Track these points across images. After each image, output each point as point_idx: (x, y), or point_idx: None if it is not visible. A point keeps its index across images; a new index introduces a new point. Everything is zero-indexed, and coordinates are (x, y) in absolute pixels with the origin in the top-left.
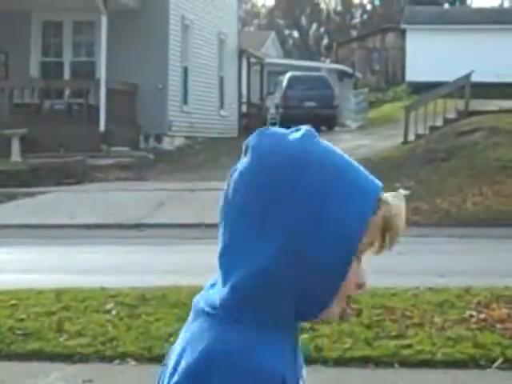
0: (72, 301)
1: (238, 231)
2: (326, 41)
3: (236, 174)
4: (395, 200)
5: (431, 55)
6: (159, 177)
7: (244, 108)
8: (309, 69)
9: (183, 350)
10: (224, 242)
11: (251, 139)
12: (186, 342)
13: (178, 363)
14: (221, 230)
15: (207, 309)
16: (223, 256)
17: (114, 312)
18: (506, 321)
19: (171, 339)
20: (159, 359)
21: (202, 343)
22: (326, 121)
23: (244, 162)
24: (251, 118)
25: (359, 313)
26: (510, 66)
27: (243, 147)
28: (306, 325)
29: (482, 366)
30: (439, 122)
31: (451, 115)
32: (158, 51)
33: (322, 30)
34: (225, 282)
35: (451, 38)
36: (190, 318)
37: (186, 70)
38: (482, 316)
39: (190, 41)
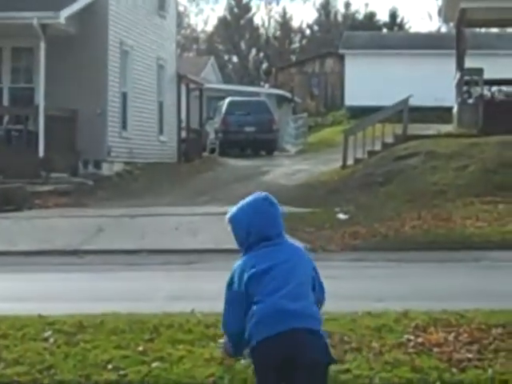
0: (9, 329)
1: None
2: (265, 65)
3: None
4: None
5: (370, 80)
6: (98, 203)
7: (183, 133)
8: (248, 94)
9: None
10: None
11: None
12: None
13: None
14: None
15: None
16: None
17: (51, 340)
18: (443, 344)
19: (109, 366)
20: None
21: None
22: (266, 145)
23: None
24: (190, 144)
25: None
26: (447, 90)
27: None
28: None
29: None
30: (378, 147)
31: (389, 139)
32: (97, 77)
33: (262, 54)
34: None
35: (389, 63)
36: None
37: (125, 96)
38: (420, 340)
39: (129, 66)
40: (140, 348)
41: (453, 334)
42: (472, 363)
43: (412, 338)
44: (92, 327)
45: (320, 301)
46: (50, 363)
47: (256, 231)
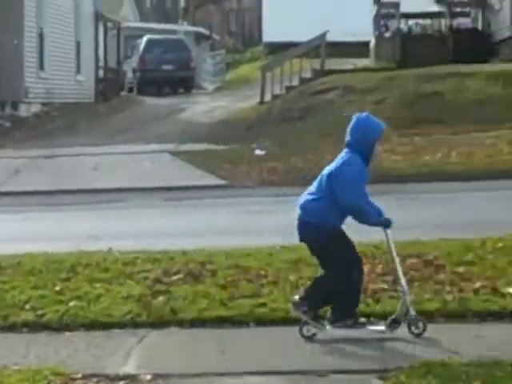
0: None
1: None
2: (183, 3)
3: None
4: None
5: (287, 16)
6: (16, 144)
7: (101, 73)
8: (166, 32)
9: None
10: None
11: None
12: None
13: None
14: None
15: None
16: None
17: None
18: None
19: (27, 306)
20: (15, 327)
21: None
22: (184, 83)
23: None
24: (108, 83)
25: (214, 274)
26: (365, 25)
27: None
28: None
29: None
30: (295, 82)
31: (307, 75)
32: (13, 11)
33: None
34: None
35: None
36: None
37: (41, 35)
38: None
39: (45, 3)
40: (57, 288)
41: (368, 266)
42: (387, 293)
43: None
44: (9, 268)
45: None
46: None
47: None
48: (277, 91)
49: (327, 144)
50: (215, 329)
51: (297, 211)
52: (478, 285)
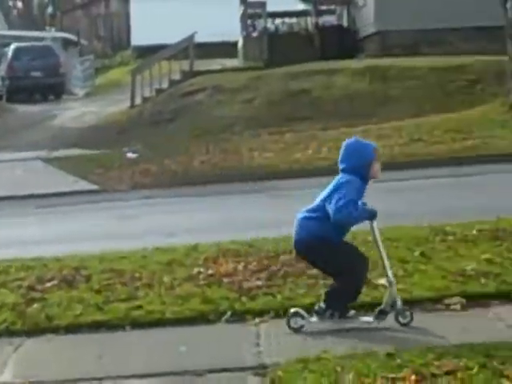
0: None
1: None
2: (50, 10)
3: None
4: None
5: (155, 19)
6: None
7: None
8: (34, 39)
9: None
10: None
11: None
12: None
13: None
14: None
15: None
16: None
17: None
18: (232, 274)
19: None
20: None
21: None
22: (53, 89)
23: None
24: None
25: (88, 279)
26: (233, 26)
27: None
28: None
29: (211, 320)
30: (165, 84)
31: (176, 76)
32: None
33: None
34: None
35: (174, 1)
36: None
37: None
38: (210, 272)
39: None
40: None
41: (242, 264)
42: (262, 290)
43: (202, 270)
44: None
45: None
46: None
47: None
48: (147, 94)
49: (198, 145)
50: (91, 334)
51: (294, 227)
52: None
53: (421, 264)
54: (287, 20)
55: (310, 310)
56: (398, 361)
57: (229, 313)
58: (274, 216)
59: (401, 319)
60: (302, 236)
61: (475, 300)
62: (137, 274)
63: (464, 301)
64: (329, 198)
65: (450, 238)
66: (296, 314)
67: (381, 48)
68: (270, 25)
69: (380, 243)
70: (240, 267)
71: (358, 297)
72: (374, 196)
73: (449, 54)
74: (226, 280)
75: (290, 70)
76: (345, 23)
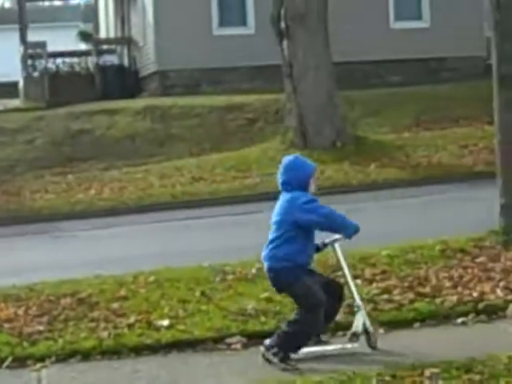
0: None
1: None
2: None
3: None
4: None
5: None
6: None
7: None
8: None
9: None
10: None
11: None
12: None
13: None
14: None
15: None
16: None
17: None
18: (13, 319)
19: None
20: None
21: None
22: None
23: None
24: None
25: None
26: (13, 65)
27: None
28: None
29: None
30: None
31: None
32: None
33: None
34: None
35: None
36: None
37: None
38: None
39: None
40: None
41: (23, 308)
42: (43, 335)
43: None
44: None
45: None
46: None
47: None
48: None
49: None
50: None
51: (264, 265)
52: (132, 320)
53: (201, 304)
54: (68, 60)
55: (89, 353)
56: None
57: (10, 358)
58: (59, 258)
59: (371, 342)
60: (271, 267)
61: (256, 338)
62: None
63: (244, 339)
64: (299, 217)
65: (230, 276)
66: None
67: (162, 87)
68: (51, 64)
69: (345, 266)
70: (21, 312)
71: (307, 342)
72: (154, 237)
73: (229, 92)
74: (6, 325)
75: (71, 110)
76: (126, 63)
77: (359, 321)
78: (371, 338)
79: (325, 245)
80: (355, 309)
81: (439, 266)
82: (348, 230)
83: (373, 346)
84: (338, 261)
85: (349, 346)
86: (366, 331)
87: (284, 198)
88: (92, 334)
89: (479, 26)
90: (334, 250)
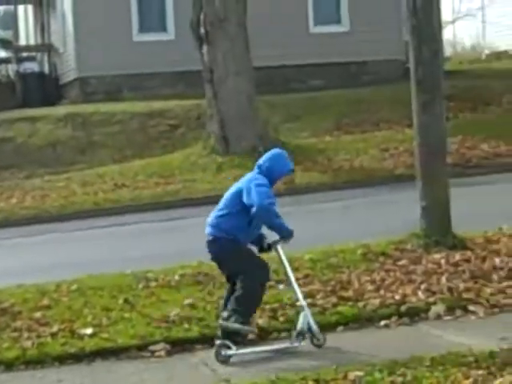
0: None
1: None
2: None
3: None
4: None
5: None
6: None
7: None
8: None
9: None
10: None
11: None
12: None
13: None
14: None
15: None
16: None
17: None
18: None
19: None
20: None
21: None
22: None
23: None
24: None
25: None
26: None
27: None
28: None
29: None
30: None
31: None
32: None
33: None
34: None
35: None
36: None
37: None
38: None
39: None
40: None
41: None
42: None
43: None
44: None
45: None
46: None
47: None
48: None
49: None
50: None
51: (206, 230)
52: (55, 329)
53: (125, 312)
54: None
55: (12, 363)
56: None
57: None
58: None
59: (315, 341)
60: (214, 234)
61: (180, 345)
62: None
63: (168, 346)
64: (246, 192)
65: (153, 283)
66: (223, 346)
67: (83, 94)
68: None
69: (288, 267)
70: None
71: (259, 304)
72: (77, 245)
73: (150, 98)
74: None
75: None
76: (46, 70)
77: (304, 320)
78: (316, 336)
79: (269, 246)
80: (299, 309)
81: (361, 270)
82: (283, 232)
83: (318, 345)
84: (281, 262)
85: (296, 344)
86: (310, 330)
87: (247, 175)
88: (15, 343)
89: (398, 29)
90: (277, 251)
